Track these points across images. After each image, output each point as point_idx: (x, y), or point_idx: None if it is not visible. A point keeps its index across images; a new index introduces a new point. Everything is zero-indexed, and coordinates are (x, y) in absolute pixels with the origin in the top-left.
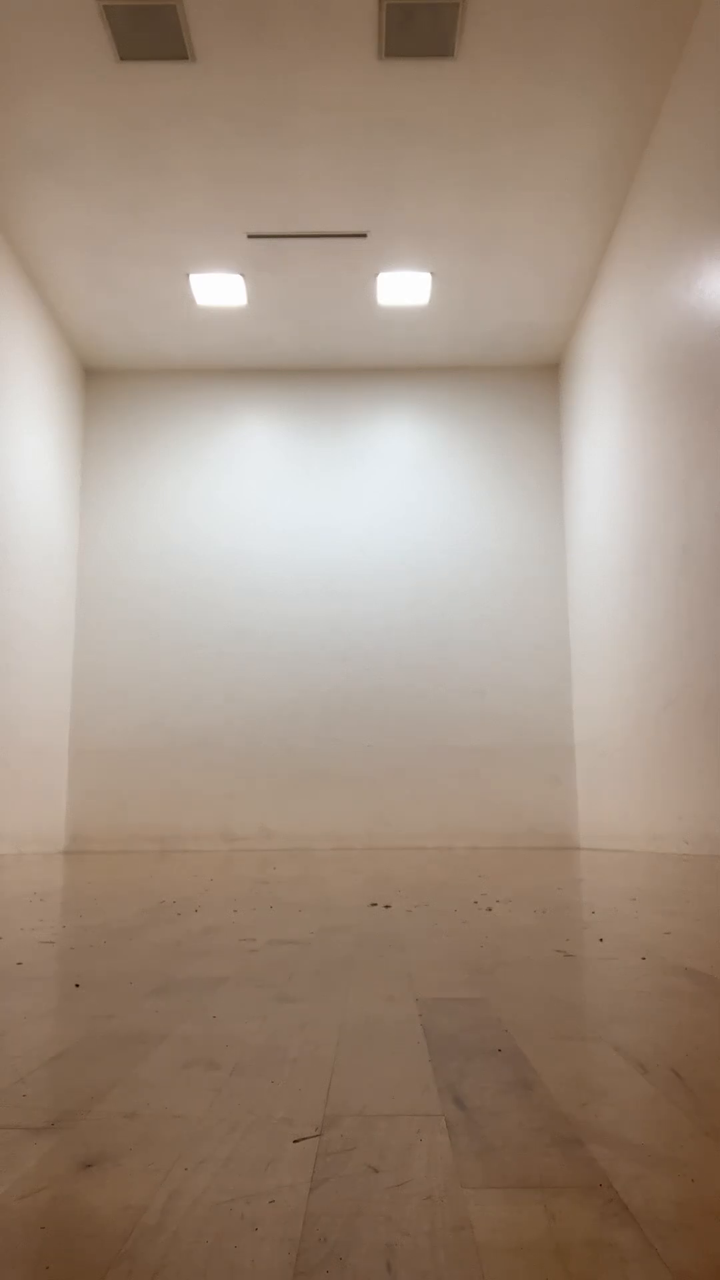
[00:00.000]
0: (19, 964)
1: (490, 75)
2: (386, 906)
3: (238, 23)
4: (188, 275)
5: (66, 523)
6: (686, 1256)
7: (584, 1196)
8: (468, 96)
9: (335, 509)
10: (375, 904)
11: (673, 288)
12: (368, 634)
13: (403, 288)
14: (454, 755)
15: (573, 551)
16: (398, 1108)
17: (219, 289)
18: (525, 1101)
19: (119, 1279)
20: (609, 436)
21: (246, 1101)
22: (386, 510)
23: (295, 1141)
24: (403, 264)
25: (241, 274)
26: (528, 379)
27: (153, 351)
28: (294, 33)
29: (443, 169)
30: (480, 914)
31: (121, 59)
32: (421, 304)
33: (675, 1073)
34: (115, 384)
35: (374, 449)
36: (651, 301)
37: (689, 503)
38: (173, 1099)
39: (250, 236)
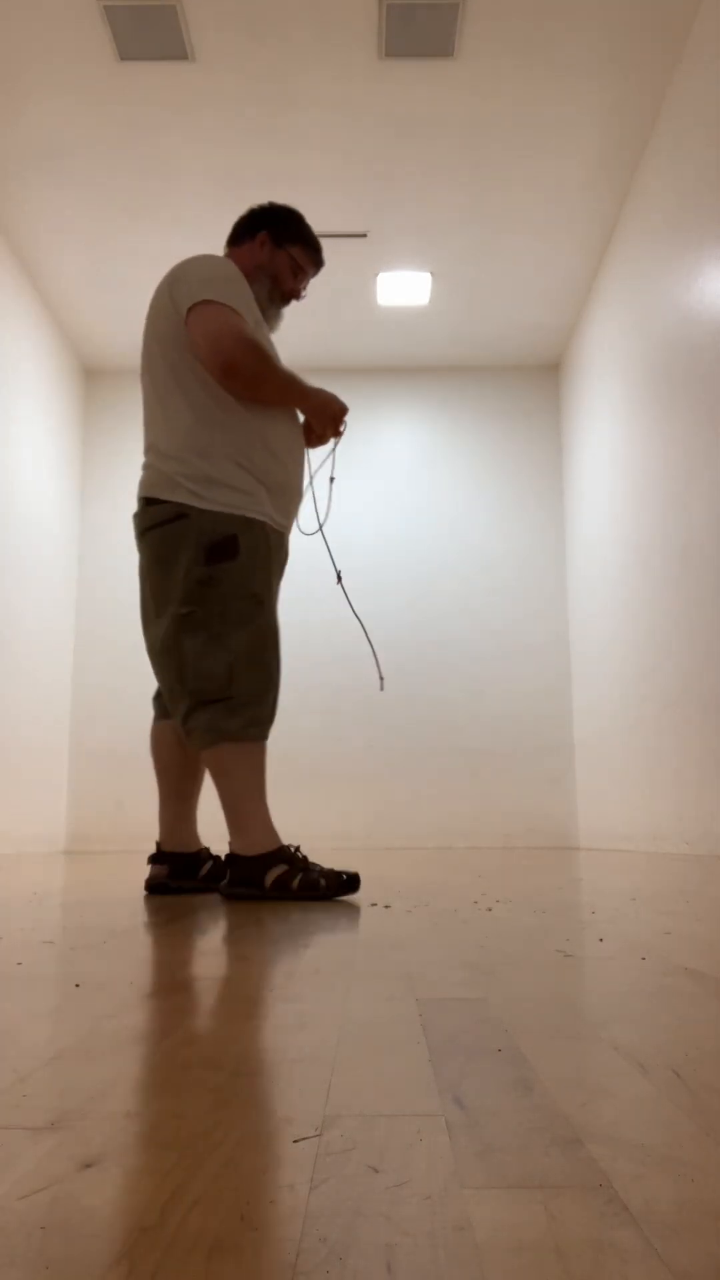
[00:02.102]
0: (19, 964)
1: (490, 75)
2: (386, 906)
3: (238, 23)
4: None
5: (67, 523)
6: (686, 1256)
7: (584, 1196)
8: (468, 96)
9: (334, 508)
10: (375, 904)
11: (673, 288)
12: None
13: (403, 288)
14: (454, 755)
15: (573, 551)
16: (398, 1108)
17: None
18: (525, 1101)
19: (119, 1279)
20: (609, 436)
21: (247, 1101)
22: (385, 510)
23: (295, 1141)
24: (403, 264)
25: None
26: (528, 379)
27: None
28: (294, 33)
29: (443, 169)
30: (480, 914)
31: (121, 59)
32: (421, 304)
33: (675, 1073)
34: (115, 384)
35: (373, 449)
36: (651, 301)
37: (689, 503)
38: (173, 1099)
39: None
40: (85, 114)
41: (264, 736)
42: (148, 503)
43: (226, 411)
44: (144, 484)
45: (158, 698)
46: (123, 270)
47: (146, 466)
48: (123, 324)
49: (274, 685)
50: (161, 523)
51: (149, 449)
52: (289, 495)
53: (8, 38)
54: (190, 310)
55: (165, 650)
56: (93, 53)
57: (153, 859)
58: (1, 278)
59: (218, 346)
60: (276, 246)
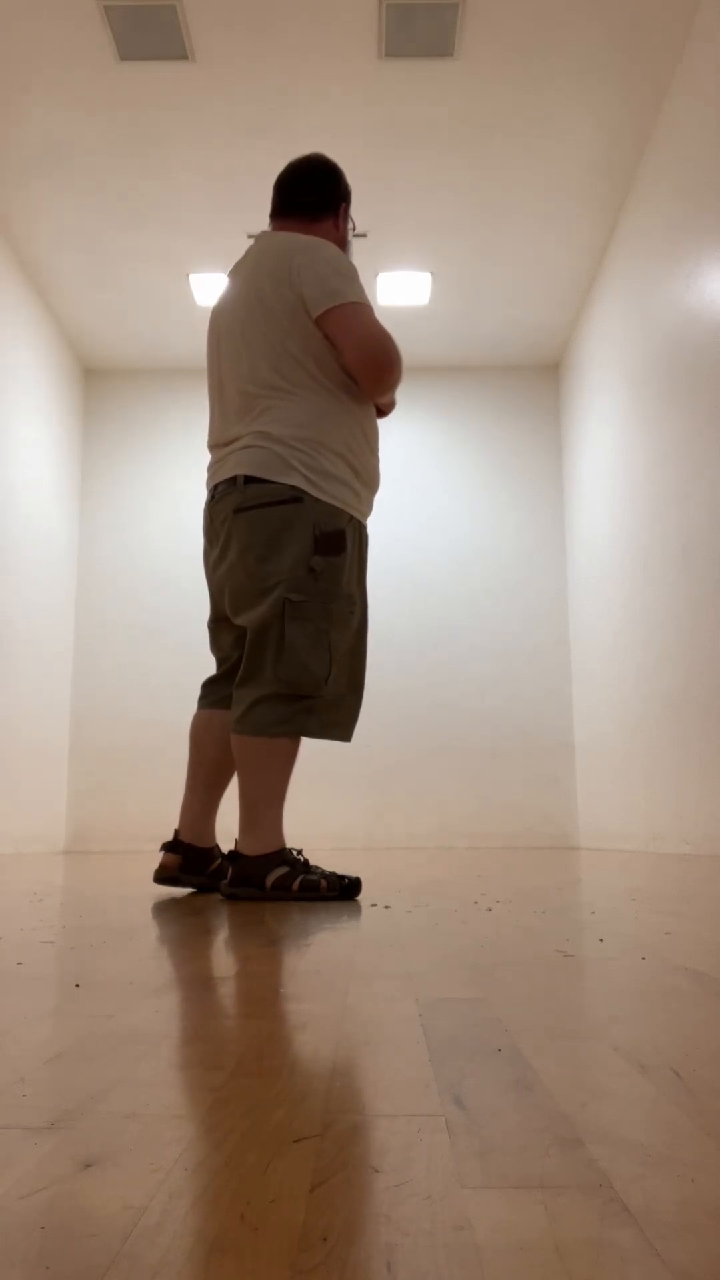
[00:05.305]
0: (19, 964)
1: (490, 75)
2: (386, 907)
3: (238, 23)
4: (188, 275)
5: (66, 523)
6: (686, 1256)
7: (584, 1196)
8: (468, 96)
9: None
10: (375, 904)
11: (673, 288)
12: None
13: (403, 288)
14: (454, 755)
15: (573, 551)
16: (398, 1108)
17: (219, 289)
18: (525, 1101)
19: (119, 1279)
20: (609, 436)
21: (246, 1102)
22: (385, 509)
23: (295, 1141)
24: (403, 264)
25: None
26: (528, 379)
27: (153, 351)
28: (294, 33)
29: (443, 169)
30: (480, 914)
31: (121, 59)
32: (421, 304)
33: (675, 1073)
34: (115, 384)
35: None
36: (651, 301)
37: (689, 503)
38: (173, 1099)
39: (250, 236)
40: (85, 114)
41: (346, 737)
42: (249, 481)
43: (342, 406)
44: (246, 463)
45: (209, 684)
46: (123, 270)
47: (248, 447)
48: (123, 324)
49: (356, 690)
50: (269, 503)
51: (246, 434)
52: (375, 490)
53: (8, 38)
54: (334, 309)
55: (263, 632)
56: (93, 53)
57: (167, 847)
58: (1, 278)
59: (379, 354)
60: (346, 216)
